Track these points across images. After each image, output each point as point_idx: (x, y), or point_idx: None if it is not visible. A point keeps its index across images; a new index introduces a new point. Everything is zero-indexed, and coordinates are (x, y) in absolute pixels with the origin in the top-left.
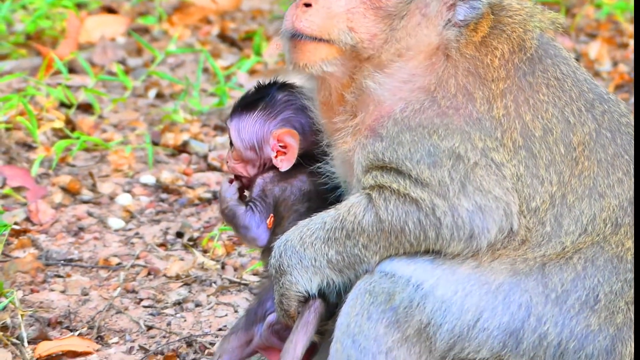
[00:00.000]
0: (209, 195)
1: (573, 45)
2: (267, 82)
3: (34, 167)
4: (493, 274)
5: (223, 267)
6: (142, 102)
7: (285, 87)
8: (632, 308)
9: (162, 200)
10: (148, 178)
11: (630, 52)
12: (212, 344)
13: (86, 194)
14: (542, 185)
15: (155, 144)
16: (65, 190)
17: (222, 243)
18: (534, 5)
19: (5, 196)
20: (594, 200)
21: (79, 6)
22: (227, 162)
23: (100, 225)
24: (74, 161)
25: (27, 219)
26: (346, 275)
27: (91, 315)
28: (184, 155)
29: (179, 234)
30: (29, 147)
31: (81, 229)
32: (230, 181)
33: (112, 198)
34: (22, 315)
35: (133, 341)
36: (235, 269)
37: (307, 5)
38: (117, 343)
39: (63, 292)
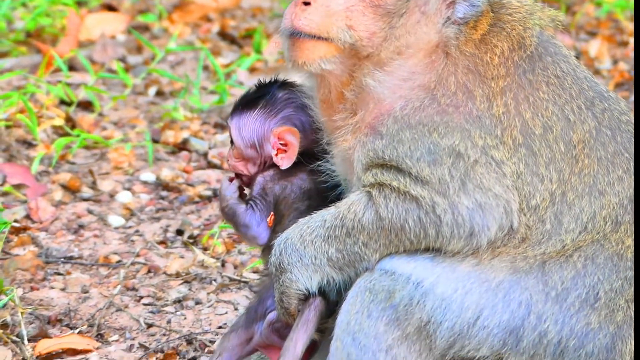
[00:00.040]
0: (209, 193)
1: (573, 43)
2: (267, 80)
3: (34, 164)
4: (493, 271)
5: (223, 265)
6: (142, 99)
7: (286, 85)
8: (632, 306)
9: (162, 198)
10: (148, 176)
11: (630, 50)
12: (212, 342)
13: (86, 192)
14: (542, 183)
15: (155, 141)
16: (65, 187)
17: (222, 241)
18: (534, 3)
19: (5, 194)
20: (594, 198)
21: (79, 4)
22: (228, 160)
23: (100, 222)
24: (74, 159)
25: (27, 217)
26: (346, 273)
27: (91, 313)
28: (184, 153)
29: (179, 232)
30: (29, 145)
31: (81, 226)
32: (230, 180)
33: (112, 195)
34: (22, 313)
35: (133, 339)
36: (236, 267)
37: (306, 3)
38: (117, 341)
39: (63, 289)
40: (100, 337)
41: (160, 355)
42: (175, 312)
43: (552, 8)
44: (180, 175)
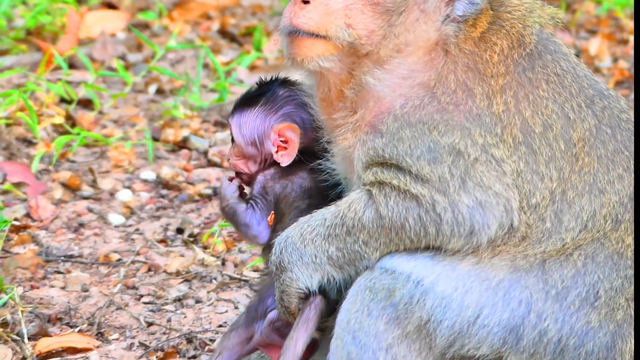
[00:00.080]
0: (209, 192)
1: (573, 41)
2: (269, 78)
3: (34, 162)
4: (493, 270)
5: (223, 264)
6: (142, 97)
7: (286, 83)
8: (632, 305)
9: (163, 196)
10: (148, 174)
11: (630, 49)
12: (212, 341)
13: (86, 190)
14: (542, 182)
15: (155, 139)
16: (65, 186)
17: (222, 239)
18: (534, 1)
19: (5, 192)
20: (594, 197)
21: (79, 2)
22: (229, 159)
23: (101, 221)
24: (74, 157)
25: (27, 215)
26: (346, 271)
27: (91, 311)
28: (184, 151)
29: (179, 230)
30: (29, 143)
31: (81, 225)
32: (230, 179)
33: (112, 194)
34: (22, 311)
35: (133, 337)
36: (236, 265)
37: (306, 2)
38: (117, 339)
39: (63, 288)
40: (100, 335)
41: (160, 353)
42: (176, 310)
43: (552, 6)
44: (180, 174)
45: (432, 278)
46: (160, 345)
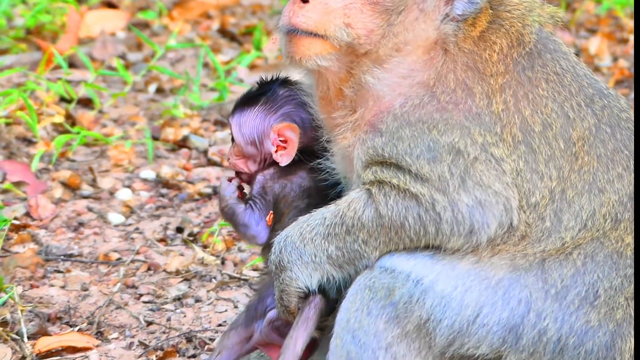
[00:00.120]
0: (209, 191)
1: (573, 40)
2: (269, 78)
3: (34, 162)
4: (493, 269)
5: (223, 263)
6: (142, 97)
7: (287, 82)
8: (631, 304)
9: (162, 196)
10: (148, 173)
11: (630, 48)
12: (211, 340)
13: (86, 189)
14: (541, 181)
15: (155, 138)
16: (65, 185)
17: (222, 238)
18: (533, 0)
19: (5, 191)
20: (593, 196)
21: (79, 1)
22: (229, 158)
23: (100, 220)
24: (74, 156)
25: (27, 214)
26: (346, 270)
27: (91, 310)
28: (184, 150)
29: (179, 229)
30: (29, 142)
31: (81, 224)
32: (230, 179)
33: (112, 193)
34: (21, 310)
35: (133, 337)
36: (235, 265)
37: (305, 1)
38: (116, 338)
39: (63, 287)
40: (100, 334)
41: (160, 353)
42: (175, 309)
43: (552, 5)
44: (180, 173)
45: (431, 277)
46: (159, 344)
